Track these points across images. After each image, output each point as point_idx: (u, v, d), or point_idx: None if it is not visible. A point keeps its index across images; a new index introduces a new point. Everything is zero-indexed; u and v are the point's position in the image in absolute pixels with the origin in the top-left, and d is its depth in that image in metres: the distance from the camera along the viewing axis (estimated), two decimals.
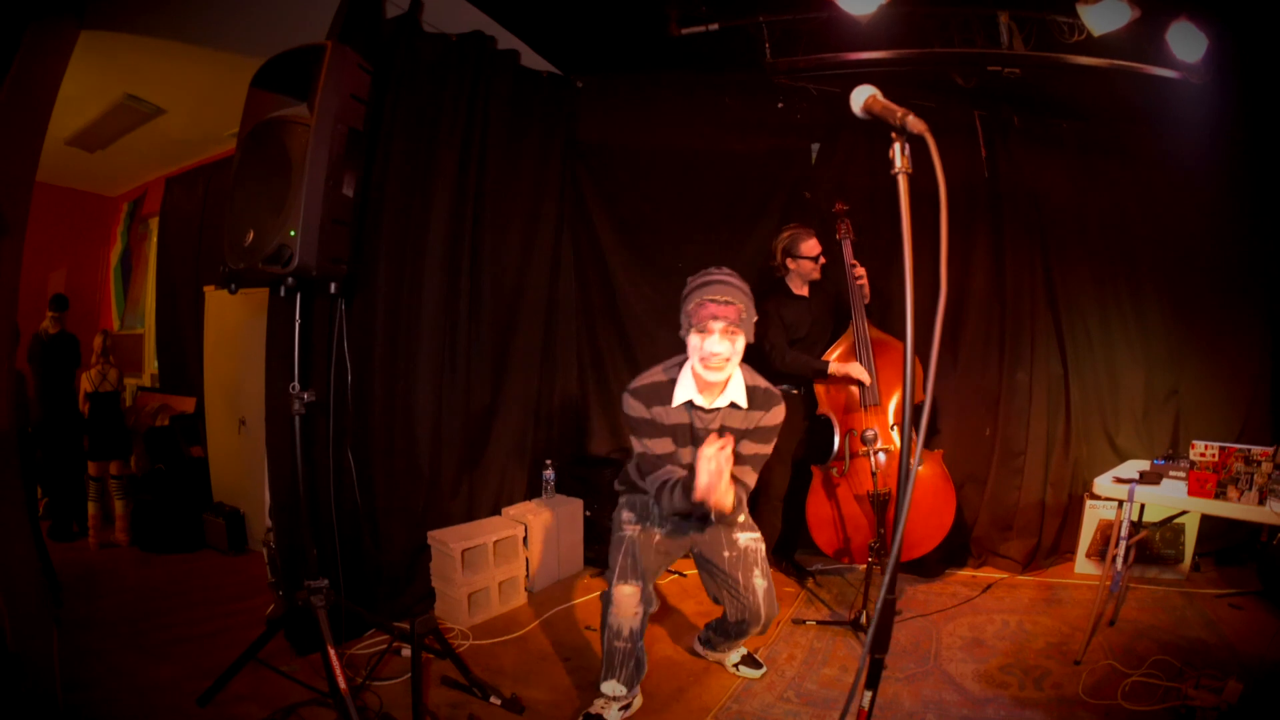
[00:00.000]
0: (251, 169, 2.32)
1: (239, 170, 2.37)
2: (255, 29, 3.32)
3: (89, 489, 4.85)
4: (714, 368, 2.21)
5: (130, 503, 4.84)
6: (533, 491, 4.17)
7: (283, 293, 2.32)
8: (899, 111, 1.25)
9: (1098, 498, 3.42)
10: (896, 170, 1.25)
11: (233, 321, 4.67)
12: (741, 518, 2.62)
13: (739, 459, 2.28)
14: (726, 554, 2.58)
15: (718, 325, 2.17)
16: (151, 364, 6.31)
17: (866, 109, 1.32)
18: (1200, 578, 3.86)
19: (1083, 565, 4.02)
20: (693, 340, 2.23)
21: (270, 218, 2.17)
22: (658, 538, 2.57)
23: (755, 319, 2.28)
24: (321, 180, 2.09)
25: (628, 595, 2.39)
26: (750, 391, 2.34)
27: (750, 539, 2.62)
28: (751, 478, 2.37)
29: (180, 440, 5.30)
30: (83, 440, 4.93)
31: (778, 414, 2.36)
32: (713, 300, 2.17)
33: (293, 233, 2.06)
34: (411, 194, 3.48)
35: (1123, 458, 3.98)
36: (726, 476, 2.03)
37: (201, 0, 3.29)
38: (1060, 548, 4.17)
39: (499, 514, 3.91)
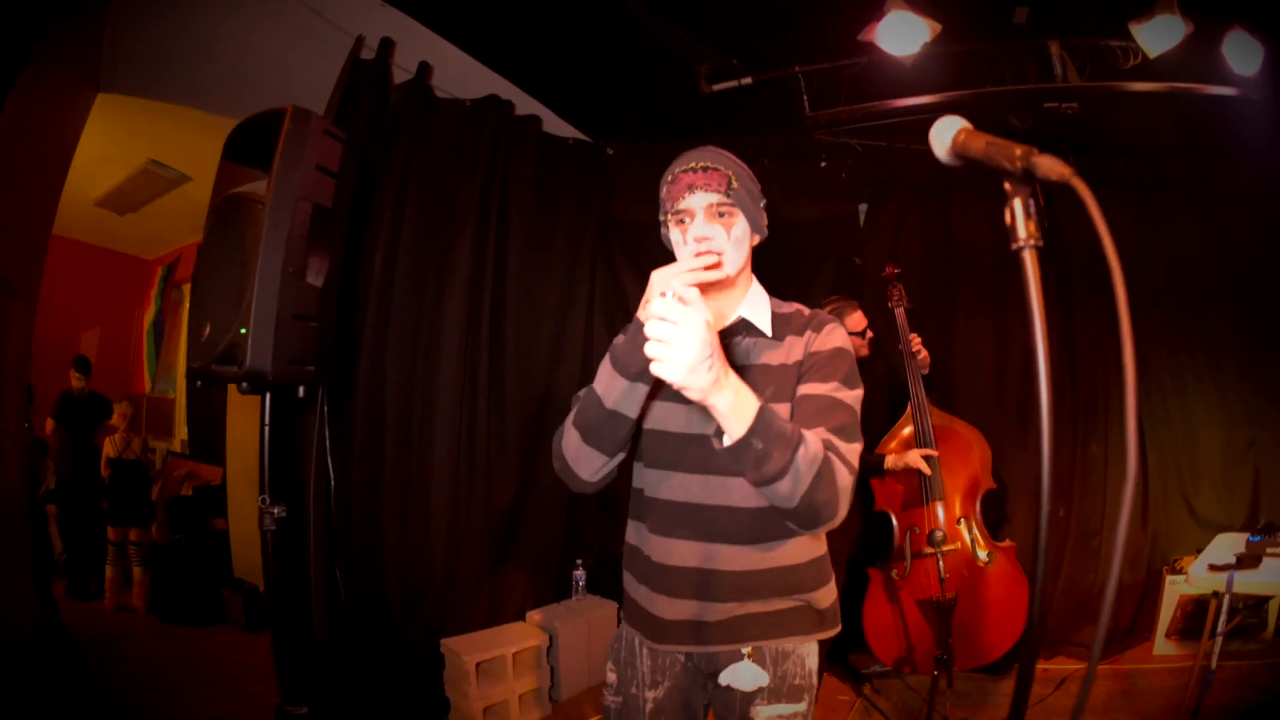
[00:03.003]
0: (214, 252, 2.04)
1: (203, 253, 2.10)
2: (269, 97, 3.18)
3: (108, 552, 4.80)
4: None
5: (149, 571, 4.77)
6: (561, 593, 3.88)
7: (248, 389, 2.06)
8: (1018, 150, 0.78)
9: (1178, 572, 3.35)
10: (1021, 243, 0.79)
11: (253, 395, 4.53)
12: (758, 675, 1.45)
13: (794, 414, 1.39)
14: None
15: (698, 202, 1.39)
16: (181, 430, 6.25)
17: (960, 151, 0.85)
18: None
19: (1162, 646, 3.73)
20: (674, 237, 1.46)
21: (229, 310, 1.89)
22: (649, 705, 1.55)
23: (763, 204, 1.52)
24: (278, 268, 1.78)
25: None
26: (776, 319, 1.52)
27: (777, 715, 1.47)
28: (814, 443, 1.21)
29: (203, 511, 5.18)
30: (102, 502, 4.89)
31: (833, 333, 1.47)
32: (687, 170, 1.41)
33: (244, 330, 1.79)
34: (425, 277, 3.25)
35: (1202, 525, 3.75)
36: (690, 324, 1.01)
37: (213, 66, 3.16)
38: (1137, 628, 3.84)
39: (523, 619, 3.62)
